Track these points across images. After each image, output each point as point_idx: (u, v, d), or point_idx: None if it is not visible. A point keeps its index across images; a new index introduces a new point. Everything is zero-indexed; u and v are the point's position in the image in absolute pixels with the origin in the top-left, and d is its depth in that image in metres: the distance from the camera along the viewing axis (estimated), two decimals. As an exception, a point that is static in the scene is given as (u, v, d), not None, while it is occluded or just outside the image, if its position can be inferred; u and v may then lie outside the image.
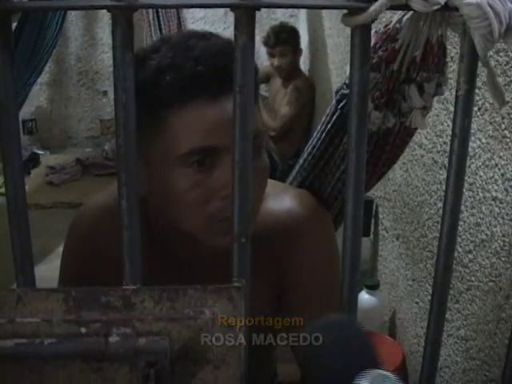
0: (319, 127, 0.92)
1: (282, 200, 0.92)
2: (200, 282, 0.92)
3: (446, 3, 0.55)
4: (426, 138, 1.58)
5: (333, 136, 0.90)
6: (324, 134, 0.91)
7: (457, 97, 0.61)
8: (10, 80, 0.55)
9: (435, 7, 0.54)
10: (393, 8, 0.55)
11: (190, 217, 0.82)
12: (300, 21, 4.01)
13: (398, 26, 0.71)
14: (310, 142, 0.94)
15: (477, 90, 1.22)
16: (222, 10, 3.93)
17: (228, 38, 0.82)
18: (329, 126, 0.89)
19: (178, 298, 0.59)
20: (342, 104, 0.86)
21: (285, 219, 0.91)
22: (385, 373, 0.51)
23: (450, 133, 0.64)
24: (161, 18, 3.83)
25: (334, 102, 0.88)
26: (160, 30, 3.87)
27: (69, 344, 0.58)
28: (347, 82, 0.85)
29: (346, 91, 0.84)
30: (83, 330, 0.59)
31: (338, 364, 0.53)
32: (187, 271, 0.92)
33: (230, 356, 0.61)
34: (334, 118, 0.88)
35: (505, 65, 1.09)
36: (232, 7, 0.53)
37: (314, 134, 0.93)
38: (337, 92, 0.87)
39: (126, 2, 0.52)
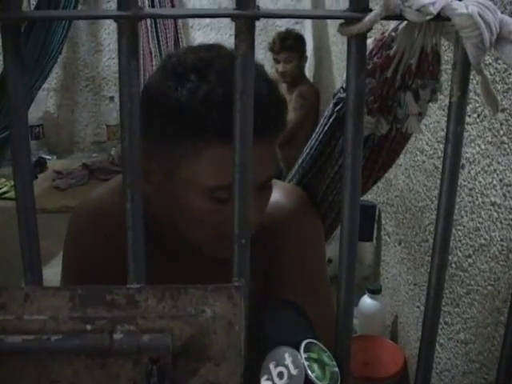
0: (318, 129, 0.96)
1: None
2: (199, 275, 0.96)
3: (438, 13, 0.57)
4: (427, 144, 1.60)
5: (330, 137, 0.94)
6: (322, 136, 0.95)
7: (450, 103, 0.62)
8: (20, 86, 0.57)
9: (428, 17, 0.56)
10: (387, 18, 0.57)
11: (196, 233, 0.89)
12: (305, 28, 4.03)
13: (393, 34, 0.73)
14: (309, 142, 0.98)
15: (476, 97, 1.24)
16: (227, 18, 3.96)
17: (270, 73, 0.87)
18: (326, 127, 0.93)
19: (180, 296, 0.61)
20: (338, 107, 0.89)
21: (272, 210, 0.94)
22: (313, 340, 0.65)
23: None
24: (158, 26, 3.89)
25: (331, 105, 0.91)
26: (157, 37, 3.92)
27: (75, 340, 0.60)
28: (344, 85, 0.87)
29: (343, 95, 0.87)
30: (88, 326, 0.61)
31: (279, 329, 0.69)
32: (187, 269, 0.95)
33: (230, 353, 0.63)
34: (331, 120, 0.92)
35: (503, 72, 1.11)
36: (233, 17, 0.56)
37: (313, 136, 0.97)
38: (334, 95, 0.90)
39: (131, 12, 0.54)
